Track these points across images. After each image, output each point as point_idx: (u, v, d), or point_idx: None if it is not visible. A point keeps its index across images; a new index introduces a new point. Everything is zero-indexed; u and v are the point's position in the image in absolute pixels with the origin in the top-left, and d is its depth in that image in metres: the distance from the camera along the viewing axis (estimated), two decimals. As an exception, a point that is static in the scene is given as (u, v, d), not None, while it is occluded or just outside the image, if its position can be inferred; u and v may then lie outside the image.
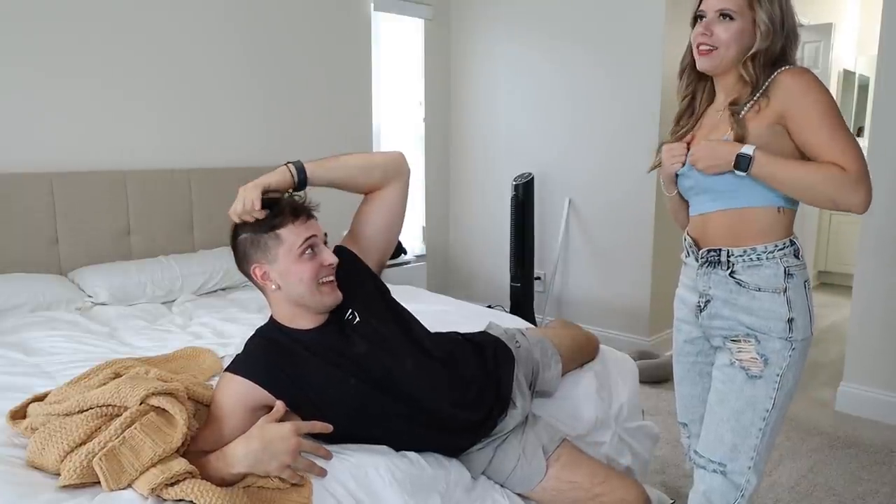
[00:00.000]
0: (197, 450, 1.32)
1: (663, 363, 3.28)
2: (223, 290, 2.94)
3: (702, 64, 1.43)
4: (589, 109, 3.73)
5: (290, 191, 1.48)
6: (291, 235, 1.38)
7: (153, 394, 1.33)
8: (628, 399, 2.05)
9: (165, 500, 1.17)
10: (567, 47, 3.78)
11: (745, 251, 1.40)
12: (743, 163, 1.33)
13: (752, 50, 1.36)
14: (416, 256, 4.25)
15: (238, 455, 1.24)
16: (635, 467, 2.07)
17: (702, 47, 1.41)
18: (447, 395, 1.49)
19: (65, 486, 1.21)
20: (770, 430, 1.43)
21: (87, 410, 1.33)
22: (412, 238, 4.38)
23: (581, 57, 3.72)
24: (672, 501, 2.08)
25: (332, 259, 1.42)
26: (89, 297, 2.61)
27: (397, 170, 1.59)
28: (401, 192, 1.61)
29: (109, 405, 1.34)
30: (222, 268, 2.94)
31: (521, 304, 3.85)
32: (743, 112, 1.37)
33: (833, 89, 5.09)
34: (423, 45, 4.23)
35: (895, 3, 2.72)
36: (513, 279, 3.88)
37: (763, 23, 1.35)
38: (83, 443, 1.27)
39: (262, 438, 1.23)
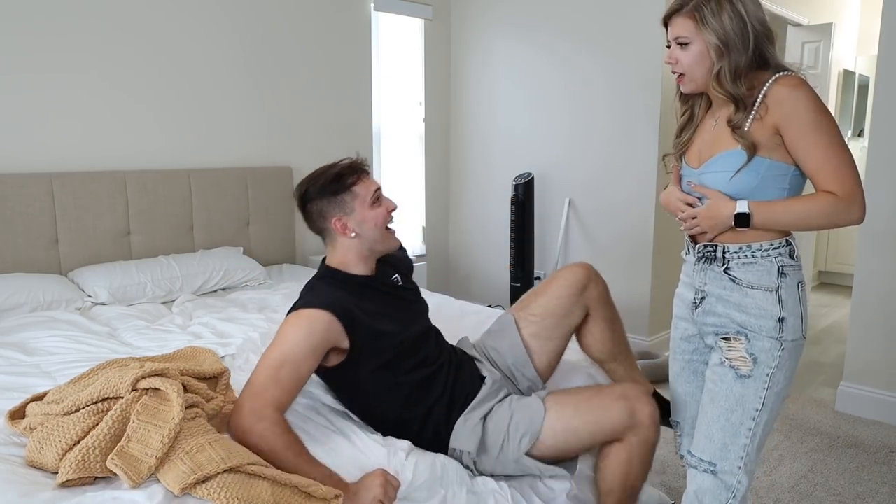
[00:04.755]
0: (277, 401, 1.41)
1: (663, 363, 3.28)
2: (223, 290, 2.95)
3: (682, 89, 1.48)
4: (589, 109, 3.73)
5: None
6: (363, 189, 1.65)
7: (143, 377, 1.35)
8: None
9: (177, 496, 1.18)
10: (567, 47, 3.78)
11: (740, 248, 1.42)
12: (743, 221, 1.37)
13: (714, 70, 1.38)
14: (416, 256, 4.25)
15: (348, 491, 1.32)
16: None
17: (674, 74, 1.46)
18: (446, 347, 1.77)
19: (63, 484, 1.21)
20: (760, 431, 1.44)
21: (83, 409, 1.34)
22: (412, 238, 4.38)
23: (581, 57, 3.72)
24: (672, 502, 2.08)
25: (394, 205, 1.70)
26: (89, 297, 2.61)
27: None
28: None
29: (104, 399, 1.34)
30: (222, 268, 2.95)
31: (521, 304, 3.84)
32: (748, 124, 1.37)
33: (833, 89, 5.09)
34: (423, 45, 4.23)
35: (895, 4, 2.72)
36: (513, 279, 3.88)
37: (712, 43, 1.36)
38: (81, 441, 1.27)
39: (361, 483, 1.35)
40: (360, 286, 1.66)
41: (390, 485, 1.34)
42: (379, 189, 1.68)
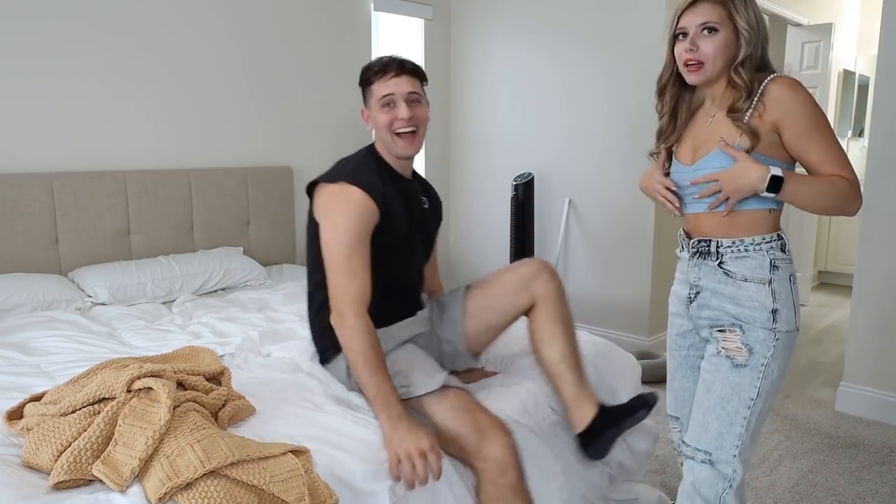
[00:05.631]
0: (360, 293, 1.55)
1: (663, 363, 3.28)
2: (223, 290, 2.94)
3: (691, 79, 1.47)
4: (589, 109, 3.73)
5: None
6: (377, 89, 1.68)
7: (138, 377, 1.35)
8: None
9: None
10: (567, 47, 3.78)
11: (733, 242, 1.45)
12: (776, 185, 1.36)
13: (740, 57, 1.41)
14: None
15: (394, 422, 1.43)
16: (632, 465, 2.07)
17: (689, 64, 1.44)
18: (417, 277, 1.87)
19: (58, 486, 1.21)
20: (755, 420, 1.46)
21: (79, 410, 1.34)
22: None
23: (581, 57, 3.72)
24: (672, 502, 2.08)
25: (405, 114, 1.66)
26: (89, 297, 2.61)
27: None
28: None
29: (100, 400, 1.34)
30: (222, 268, 2.95)
31: (521, 304, 3.84)
32: (747, 118, 1.40)
33: (833, 89, 5.09)
34: (423, 45, 4.23)
35: (895, 4, 2.72)
36: (513, 279, 3.87)
37: (745, 30, 1.40)
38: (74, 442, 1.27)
39: (411, 429, 1.42)
40: (392, 179, 1.72)
41: (434, 453, 1.40)
42: (390, 95, 1.66)
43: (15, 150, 2.71)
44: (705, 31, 1.41)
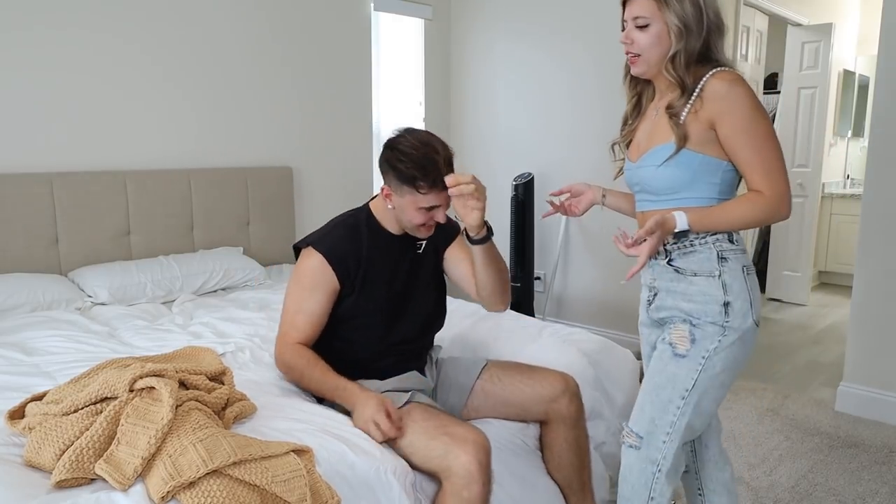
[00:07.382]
0: (300, 341, 1.67)
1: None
2: (223, 290, 2.94)
3: (633, 70, 1.47)
4: (589, 109, 3.73)
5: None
6: (423, 198, 1.63)
7: (140, 376, 1.35)
8: (628, 396, 2.06)
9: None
10: (567, 47, 3.78)
11: (678, 238, 1.44)
12: (681, 234, 1.39)
13: (671, 52, 1.39)
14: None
15: (356, 399, 1.55)
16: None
17: (628, 55, 1.46)
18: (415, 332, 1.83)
19: (60, 484, 1.21)
20: (691, 411, 1.44)
21: (81, 409, 1.34)
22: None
23: (581, 56, 3.72)
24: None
25: (441, 221, 1.69)
26: (89, 297, 2.61)
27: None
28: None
29: (102, 400, 1.34)
30: (222, 268, 2.95)
31: (522, 304, 3.85)
32: (683, 116, 1.39)
33: (833, 89, 5.09)
34: (423, 45, 4.23)
35: (895, 4, 2.72)
36: (513, 279, 3.88)
37: (674, 24, 1.38)
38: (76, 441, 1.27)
39: (366, 401, 1.53)
40: (379, 240, 1.75)
41: (381, 415, 1.48)
42: (436, 207, 1.64)
43: (15, 150, 2.71)
44: (638, 26, 1.41)
